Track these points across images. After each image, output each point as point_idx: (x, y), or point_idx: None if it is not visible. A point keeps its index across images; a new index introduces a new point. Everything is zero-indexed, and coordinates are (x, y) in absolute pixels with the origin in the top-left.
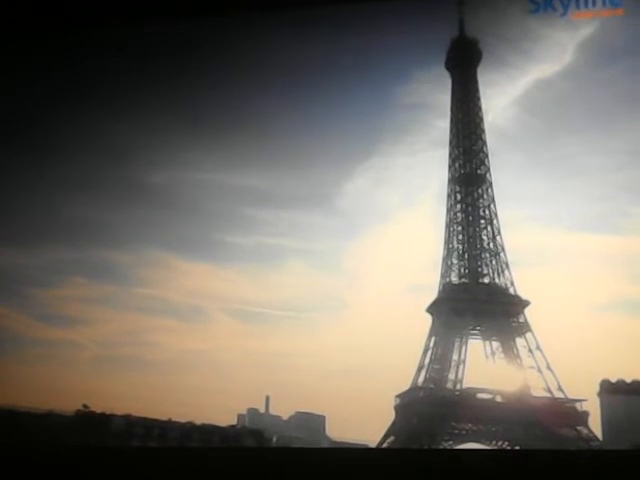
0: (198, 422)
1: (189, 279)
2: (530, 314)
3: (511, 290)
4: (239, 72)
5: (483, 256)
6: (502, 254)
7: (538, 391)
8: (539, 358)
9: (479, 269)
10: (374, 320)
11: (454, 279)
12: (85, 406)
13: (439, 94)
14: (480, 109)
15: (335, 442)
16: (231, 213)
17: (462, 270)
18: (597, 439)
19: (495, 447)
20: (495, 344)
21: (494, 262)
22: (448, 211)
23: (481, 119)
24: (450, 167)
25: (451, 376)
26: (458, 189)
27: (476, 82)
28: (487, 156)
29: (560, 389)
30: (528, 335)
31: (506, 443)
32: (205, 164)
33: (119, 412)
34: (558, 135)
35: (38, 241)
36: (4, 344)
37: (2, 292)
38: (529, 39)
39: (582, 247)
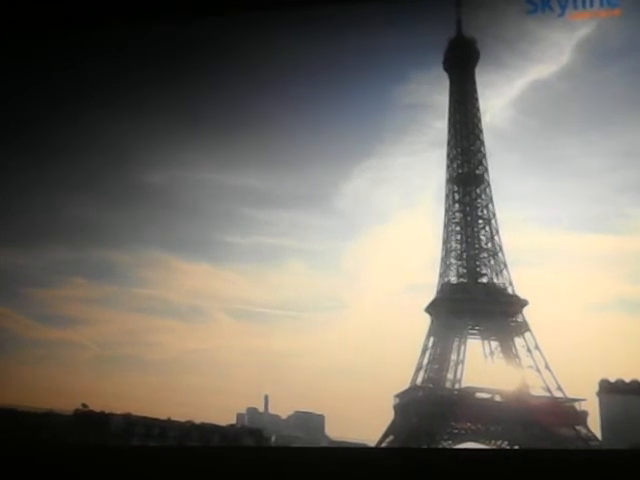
0: (198, 421)
1: (189, 279)
2: (528, 314)
3: (509, 290)
4: (239, 72)
5: (481, 256)
6: (500, 254)
7: (537, 390)
8: (538, 358)
9: (477, 269)
10: (373, 320)
11: (453, 279)
12: (84, 405)
13: (438, 95)
14: (478, 109)
15: (334, 441)
16: (231, 213)
17: (460, 270)
18: (596, 438)
19: (494, 446)
20: (494, 344)
21: (492, 262)
22: (446, 211)
23: (479, 119)
24: (448, 167)
25: (450, 376)
26: (456, 189)
27: (474, 83)
28: (485, 156)
29: (559, 388)
30: (527, 335)
31: (505, 442)
32: (205, 164)
33: (119, 412)
34: (555, 136)
35: (38, 241)
36: (4, 344)
37: (2, 292)
38: (527, 40)
39: (580, 247)
